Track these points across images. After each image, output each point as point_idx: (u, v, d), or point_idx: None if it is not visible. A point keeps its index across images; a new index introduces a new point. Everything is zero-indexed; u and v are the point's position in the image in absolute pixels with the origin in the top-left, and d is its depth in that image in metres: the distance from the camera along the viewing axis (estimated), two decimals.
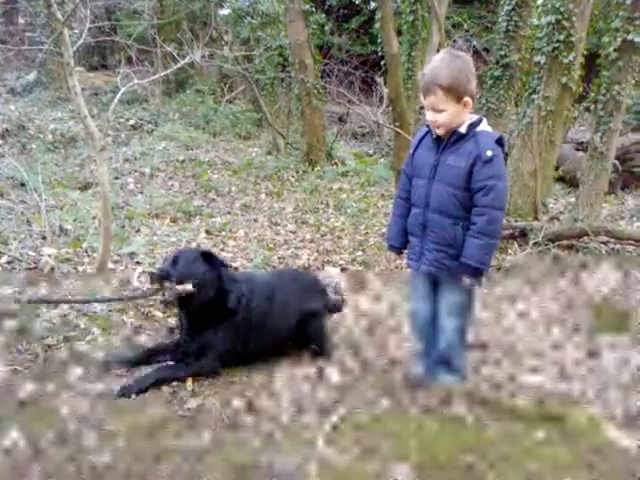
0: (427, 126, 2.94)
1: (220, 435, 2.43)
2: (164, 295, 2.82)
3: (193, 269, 2.94)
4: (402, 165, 3.10)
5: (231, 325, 3.05)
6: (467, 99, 2.73)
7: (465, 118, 2.80)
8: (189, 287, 2.84)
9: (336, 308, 3.91)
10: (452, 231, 2.83)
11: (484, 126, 2.83)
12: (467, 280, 2.86)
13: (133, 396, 2.74)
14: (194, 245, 6.11)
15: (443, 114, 2.74)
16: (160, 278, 2.84)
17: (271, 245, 6.56)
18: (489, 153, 2.72)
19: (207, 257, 3.05)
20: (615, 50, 6.67)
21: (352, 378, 3.04)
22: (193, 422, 2.54)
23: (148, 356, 3.07)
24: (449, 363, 3.09)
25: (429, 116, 2.79)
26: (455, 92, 2.70)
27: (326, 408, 2.64)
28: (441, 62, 2.73)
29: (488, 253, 2.78)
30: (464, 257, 2.78)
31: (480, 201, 2.74)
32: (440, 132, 2.82)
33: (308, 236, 7.16)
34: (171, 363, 3.06)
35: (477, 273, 2.81)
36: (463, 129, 2.79)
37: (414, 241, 3.01)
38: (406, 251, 3.13)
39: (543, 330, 4.80)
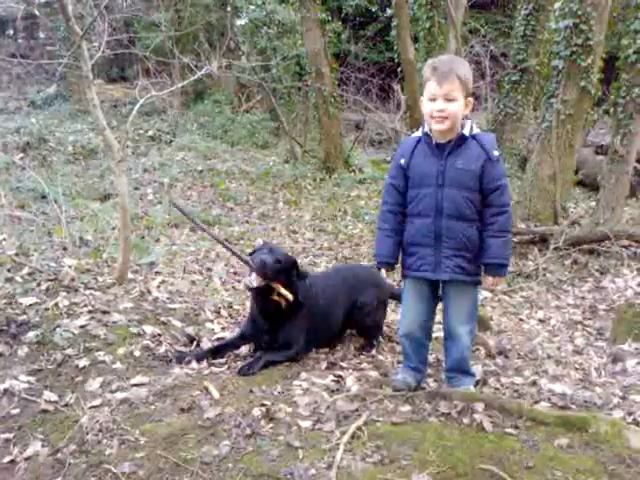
0: (423, 134, 2.91)
1: (239, 444, 2.43)
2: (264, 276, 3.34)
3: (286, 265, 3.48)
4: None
5: (303, 316, 3.54)
6: (470, 99, 2.82)
7: (460, 119, 2.82)
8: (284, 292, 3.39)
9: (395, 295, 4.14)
10: (470, 234, 2.85)
11: (475, 128, 2.88)
12: (492, 279, 2.92)
13: (256, 372, 3.21)
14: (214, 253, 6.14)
15: (454, 104, 2.75)
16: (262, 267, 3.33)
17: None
18: (496, 153, 2.80)
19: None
20: (634, 52, 6.63)
21: (371, 386, 3.02)
22: (212, 431, 2.54)
23: (214, 353, 3.49)
24: (466, 367, 3.09)
25: (439, 105, 2.75)
26: (466, 86, 2.77)
27: (345, 417, 2.63)
28: (455, 57, 2.83)
29: (509, 247, 2.93)
30: (490, 257, 2.84)
31: (498, 201, 2.81)
32: (443, 127, 2.78)
33: (326, 244, 7.17)
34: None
35: (503, 269, 2.90)
36: (467, 131, 2.83)
37: (424, 251, 2.90)
38: (412, 261, 2.96)
39: (564, 336, 4.76)
